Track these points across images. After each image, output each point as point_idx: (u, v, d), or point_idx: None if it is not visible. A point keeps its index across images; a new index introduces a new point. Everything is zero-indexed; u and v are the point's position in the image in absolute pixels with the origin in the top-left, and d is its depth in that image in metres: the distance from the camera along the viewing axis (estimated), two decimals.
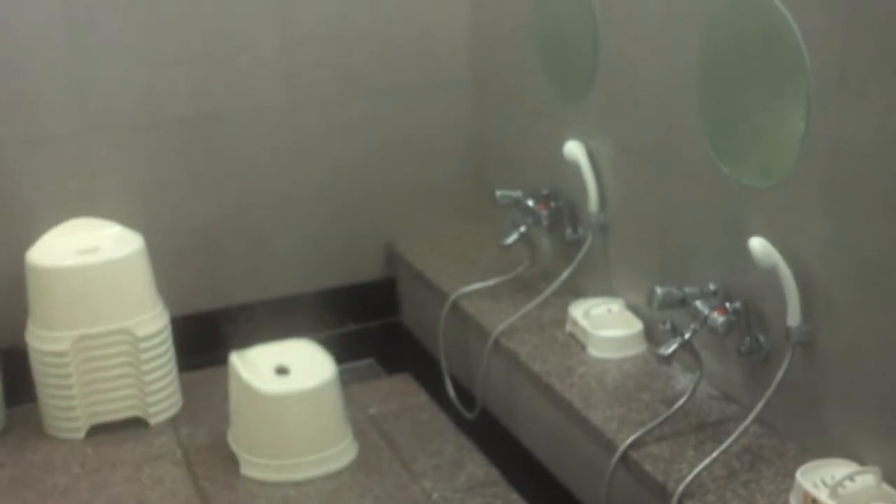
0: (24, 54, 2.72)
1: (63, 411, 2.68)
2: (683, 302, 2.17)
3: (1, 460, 2.63)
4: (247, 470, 2.52)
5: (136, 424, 2.73)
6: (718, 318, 2.12)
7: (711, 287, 2.18)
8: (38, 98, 2.77)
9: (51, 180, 2.82)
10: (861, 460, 1.91)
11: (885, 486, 1.84)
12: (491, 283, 2.83)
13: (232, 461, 2.56)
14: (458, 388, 2.82)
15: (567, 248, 2.75)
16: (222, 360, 2.82)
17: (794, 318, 1.99)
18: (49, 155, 2.81)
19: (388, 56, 3.08)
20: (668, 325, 2.17)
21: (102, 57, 2.79)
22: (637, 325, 2.50)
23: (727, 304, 2.14)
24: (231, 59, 2.92)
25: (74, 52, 2.78)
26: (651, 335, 2.47)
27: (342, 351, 2.84)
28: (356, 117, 3.09)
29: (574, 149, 2.62)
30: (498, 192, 2.82)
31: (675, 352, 2.14)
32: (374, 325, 3.26)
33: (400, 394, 2.89)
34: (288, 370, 2.56)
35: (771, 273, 2.00)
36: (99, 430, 2.71)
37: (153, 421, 2.74)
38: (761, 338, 2.12)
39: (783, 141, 1.97)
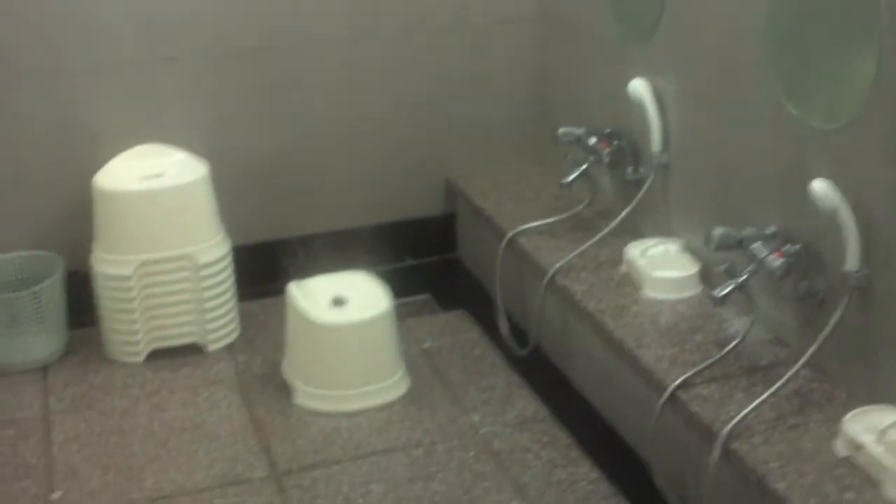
0: None
1: (125, 335, 2.75)
2: (741, 244, 2.14)
3: (64, 380, 2.70)
4: (300, 399, 2.56)
5: (194, 350, 2.79)
6: (775, 261, 2.08)
7: (770, 229, 2.15)
8: (107, 28, 2.80)
9: (119, 108, 2.86)
10: None
11: None
12: (549, 220, 2.82)
13: (285, 390, 2.60)
14: (513, 325, 2.83)
15: (627, 187, 2.72)
16: (280, 291, 2.86)
17: (852, 262, 1.96)
18: (117, 83, 2.85)
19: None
20: (724, 267, 2.14)
21: None
22: (693, 267, 2.48)
23: (785, 247, 2.10)
24: None
25: None
26: (708, 277, 2.45)
27: (399, 285, 2.86)
28: (419, 53, 3.08)
29: (639, 87, 2.58)
30: (560, 130, 2.79)
31: (729, 294, 2.12)
32: (431, 261, 3.27)
33: (454, 329, 2.90)
34: (344, 301, 2.59)
35: (831, 217, 1.96)
36: (158, 355, 2.77)
37: (211, 348, 2.79)
38: (818, 282, 2.09)
39: (853, 82, 1.92)
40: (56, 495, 2.28)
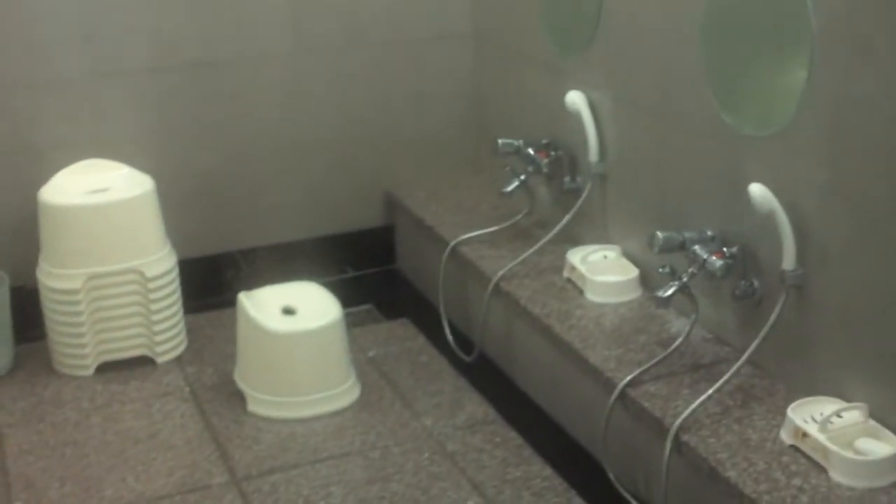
0: (41, 2, 2.77)
1: (73, 348, 2.75)
2: (683, 246, 2.25)
3: (12, 395, 2.70)
4: (254, 406, 2.60)
5: (142, 363, 2.81)
6: (717, 262, 2.20)
7: (709, 233, 2.27)
8: (50, 43, 2.82)
9: (62, 123, 2.88)
10: (848, 398, 2.01)
11: (872, 422, 1.94)
12: (490, 230, 2.91)
13: (238, 398, 2.63)
14: (455, 333, 2.90)
15: (565, 196, 2.82)
16: (224, 304, 2.91)
17: (788, 261, 2.08)
18: (61, 98, 2.87)
19: (392, 8, 3.14)
20: (667, 269, 2.25)
21: (112, 1, 2.83)
22: (633, 272, 2.59)
23: (724, 249, 2.22)
24: (238, 5, 2.97)
25: None
26: (646, 282, 2.56)
27: (341, 296, 2.89)
28: (359, 67, 3.16)
29: (576, 99, 2.69)
30: (500, 140, 2.88)
31: (673, 294, 2.23)
32: (371, 272, 3.34)
33: (399, 337, 2.97)
34: (294, 311, 2.64)
35: (768, 219, 2.08)
36: (107, 368, 2.78)
37: (160, 360, 2.82)
38: (756, 282, 2.21)
39: (785, 90, 2.04)
40: None
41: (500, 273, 2.70)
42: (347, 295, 3.13)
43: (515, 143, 2.87)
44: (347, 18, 3.09)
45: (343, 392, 2.62)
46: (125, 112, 2.94)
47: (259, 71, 3.05)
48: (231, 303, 2.88)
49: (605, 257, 2.66)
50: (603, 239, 2.73)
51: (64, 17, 2.81)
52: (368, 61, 3.16)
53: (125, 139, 2.94)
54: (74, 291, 2.69)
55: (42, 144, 2.86)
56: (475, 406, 2.63)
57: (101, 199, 2.71)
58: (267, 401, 2.58)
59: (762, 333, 2.12)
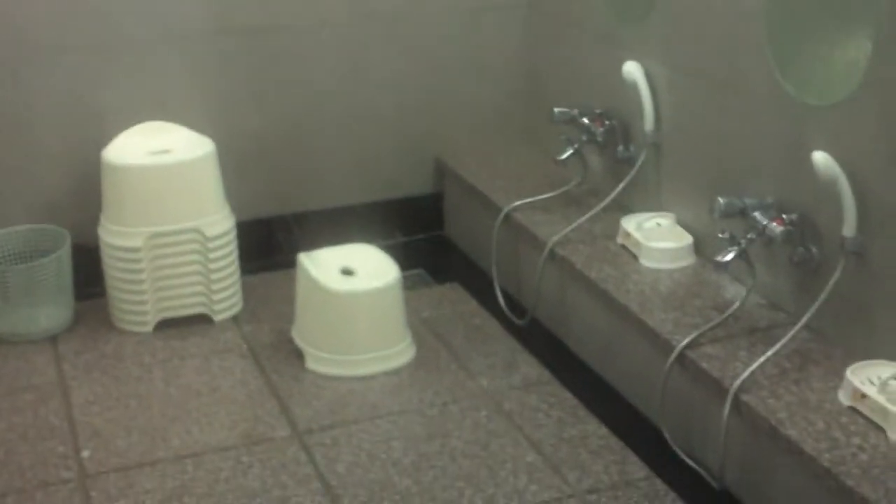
0: None
1: (133, 305, 2.81)
2: (743, 212, 2.28)
3: (75, 349, 2.76)
4: (312, 364, 2.65)
5: (200, 321, 2.86)
6: (777, 228, 2.23)
7: (769, 200, 2.30)
8: (112, 5, 2.86)
9: (125, 85, 2.93)
10: None
11: None
12: (543, 197, 2.95)
13: (296, 356, 2.69)
14: (507, 298, 2.94)
15: (618, 165, 2.86)
16: (277, 266, 2.98)
17: (849, 228, 2.11)
18: (123, 60, 2.92)
19: None
20: (726, 234, 2.28)
21: None
22: (687, 239, 2.62)
23: (784, 216, 2.25)
24: None
25: None
26: (700, 249, 2.59)
27: (395, 260, 2.95)
28: (414, 35, 3.19)
29: (633, 69, 2.71)
30: (556, 109, 2.91)
31: (733, 259, 2.26)
32: (420, 238, 3.38)
33: (451, 300, 3.01)
34: (353, 271, 2.69)
35: (830, 186, 2.11)
36: (165, 325, 2.84)
37: (218, 318, 2.87)
38: (814, 248, 2.24)
39: (849, 61, 2.06)
40: (85, 454, 2.35)
41: (555, 238, 2.73)
42: (398, 259, 3.17)
43: (571, 111, 2.90)
44: None
45: (399, 352, 2.67)
46: (186, 75, 2.99)
47: (316, 37, 3.09)
48: (283, 265, 2.95)
49: (659, 225, 2.69)
50: (656, 207, 2.76)
51: None
52: (423, 29, 3.19)
53: (185, 102, 2.98)
54: (136, 249, 2.75)
55: (105, 106, 2.91)
56: (529, 367, 2.67)
57: (163, 159, 2.76)
58: (325, 358, 2.63)
59: (821, 298, 2.15)
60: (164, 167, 2.75)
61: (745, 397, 2.07)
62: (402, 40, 3.18)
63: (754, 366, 2.11)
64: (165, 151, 2.79)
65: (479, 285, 3.05)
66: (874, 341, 2.12)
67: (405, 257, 3.26)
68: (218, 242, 2.81)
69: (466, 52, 3.26)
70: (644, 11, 2.69)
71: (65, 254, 2.82)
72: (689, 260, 2.60)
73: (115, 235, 2.77)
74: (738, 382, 2.09)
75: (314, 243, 2.87)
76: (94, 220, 2.83)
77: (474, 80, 3.29)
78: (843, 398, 2.02)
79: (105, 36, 2.88)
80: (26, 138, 2.88)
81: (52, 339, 2.80)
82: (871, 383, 2.00)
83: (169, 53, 2.95)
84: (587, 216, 2.77)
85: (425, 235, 3.40)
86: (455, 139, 3.32)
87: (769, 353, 2.14)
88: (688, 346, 2.24)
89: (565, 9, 3.10)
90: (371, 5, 3.12)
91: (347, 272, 2.68)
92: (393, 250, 3.22)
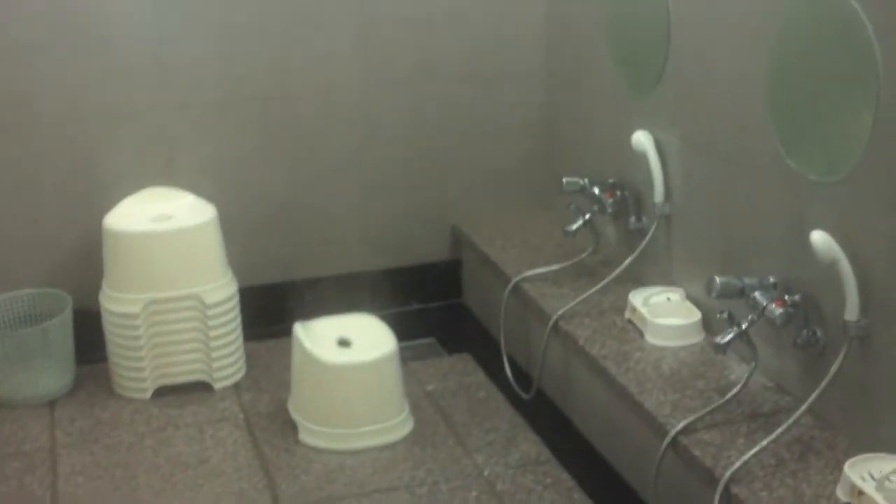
0: (111, 31, 2.82)
1: (131, 371, 2.78)
2: (742, 292, 2.18)
3: (71, 415, 2.73)
4: (305, 436, 2.59)
5: (200, 388, 2.82)
6: (776, 310, 2.13)
7: (771, 279, 2.20)
8: (123, 73, 2.87)
9: (131, 151, 2.93)
10: None
11: None
12: (553, 267, 2.87)
13: (290, 427, 2.63)
14: (516, 369, 2.86)
15: (630, 236, 2.77)
16: (286, 332, 2.90)
17: (851, 312, 2.00)
18: (130, 128, 2.91)
19: (464, 44, 3.13)
20: (725, 315, 2.18)
21: (183, 34, 2.88)
22: (695, 315, 2.52)
23: (786, 297, 2.15)
24: (308, 38, 2.99)
25: (157, 30, 2.86)
26: (709, 325, 2.49)
27: (404, 329, 2.89)
28: (429, 102, 3.15)
29: (642, 138, 2.64)
30: (565, 179, 2.85)
31: (731, 341, 2.16)
32: (436, 306, 3.32)
33: (458, 372, 2.94)
34: (350, 342, 2.63)
35: (831, 267, 2.01)
36: (165, 392, 2.80)
37: (217, 386, 2.82)
38: (818, 331, 2.13)
39: (851, 136, 1.98)
40: None
41: (560, 312, 2.65)
42: (412, 328, 3.14)
43: (580, 182, 2.84)
44: (418, 53, 3.09)
45: (395, 425, 2.60)
46: (194, 142, 2.98)
47: (328, 104, 3.06)
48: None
49: (669, 299, 2.59)
50: (667, 280, 2.67)
51: (135, 47, 2.85)
52: (439, 96, 3.15)
53: (193, 168, 2.97)
54: (134, 315, 2.72)
55: (110, 171, 2.90)
56: (529, 445, 2.58)
57: (163, 226, 2.74)
58: (317, 431, 2.57)
59: (823, 384, 2.04)
60: (163, 234, 2.73)
61: (735, 489, 1.96)
62: (418, 106, 3.14)
63: (748, 455, 2.01)
64: (167, 218, 2.77)
65: (490, 356, 2.98)
66: (879, 431, 2.00)
67: (419, 325, 3.23)
68: (218, 310, 2.77)
69: (483, 118, 3.21)
70: (653, 82, 2.62)
71: (65, 319, 2.81)
72: (696, 338, 2.50)
73: (114, 301, 2.74)
74: (729, 473, 1.98)
75: (325, 310, 2.82)
76: (97, 285, 2.81)
77: (491, 147, 3.23)
78: (841, 494, 1.91)
79: (113, 102, 2.88)
80: (33, 202, 2.89)
81: (51, 404, 2.78)
82: (871, 478, 1.88)
83: (177, 120, 2.94)
84: (595, 289, 2.69)
85: (442, 303, 3.33)
86: (471, 205, 3.27)
87: (766, 441, 2.03)
88: (682, 431, 2.14)
89: (581, 77, 3.04)
90: (385, 72, 3.08)
91: (344, 343, 2.62)
92: (407, 318, 3.19)
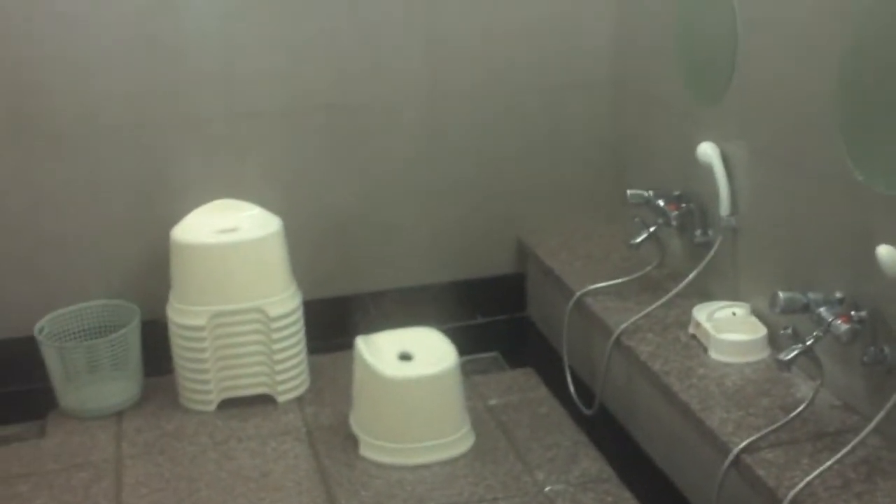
0: (179, 43, 2.85)
1: (197, 384, 2.81)
2: (807, 308, 2.13)
3: (137, 426, 2.77)
4: (365, 451, 2.59)
5: (264, 401, 2.84)
6: (842, 326, 2.07)
7: (837, 294, 2.14)
8: (192, 84, 2.90)
9: (199, 162, 2.95)
10: None
11: None
12: (618, 281, 2.84)
13: (352, 442, 2.63)
14: (579, 384, 2.83)
15: (695, 250, 2.73)
16: (350, 345, 2.91)
17: None
18: (198, 138, 2.94)
19: (531, 55, 3.10)
20: (789, 331, 2.13)
21: (252, 46, 2.90)
22: (761, 331, 2.47)
23: (852, 313, 2.09)
24: (375, 50, 2.99)
25: (226, 42, 2.89)
26: (775, 341, 2.44)
27: (468, 342, 2.89)
28: (495, 113, 3.13)
29: (708, 150, 2.60)
30: (629, 191, 2.82)
31: (794, 358, 2.11)
32: (500, 319, 3.29)
33: (521, 387, 2.92)
34: (411, 356, 2.62)
35: None
36: (229, 404, 2.82)
37: (281, 399, 2.84)
38: (886, 348, 2.07)
39: None
40: None
41: (623, 326, 2.62)
42: (475, 341, 3.13)
43: (645, 194, 2.80)
44: (484, 64, 3.08)
45: (455, 441, 2.58)
46: (259, 153, 3.00)
47: (394, 115, 3.06)
48: None
49: (734, 314, 2.55)
50: (733, 295, 2.62)
51: (202, 58, 2.88)
52: (504, 107, 3.14)
53: (259, 180, 2.99)
54: (200, 328, 2.75)
55: (177, 183, 2.94)
56: (591, 462, 2.55)
57: (228, 238, 2.76)
58: (378, 446, 2.57)
59: (890, 403, 1.98)
60: (229, 246, 2.75)
61: None
62: (483, 118, 3.13)
63: (812, 475, 1.96)
64: (233, 230, 2.79)
65: (553, 370, 2.95)
66: None
67: (483, 339, 3.21)
68: (281, 323, 2.79)
69: (548, 130, 3.18)
70: (720, 92, 2.57)
71: (133, 330, 2.85)
72: (761, 354, 2.45)
73: (180, 314, 2.78)
74: (793, 493, 1.93)
75: (390, 323, 2.83)
76: (165, 297, 2.85)
77: (557, 158, 3.21)
78: None
79: (180, 114, 2.91)
80: (103, 214, 2.93)
81: (118, 415, 2.82)
82: None
83: (244, 131, 2.96)
84: (659, 303, 2.65)
85: (506, 317, 3.31)
86: (537, 218, 3.24)
87: (831, 461, 1.98)
88: (745, 450, 2.09)
89: (648, 88, 3.01)
90: (451, 84, 3.08)
91: (405, 357, 2.62)
92: (471, 332, 3.17)
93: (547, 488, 2.45)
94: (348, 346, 2.98)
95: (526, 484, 2.46)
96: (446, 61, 3.07)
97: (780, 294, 2.15)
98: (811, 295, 2.16)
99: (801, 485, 1.94)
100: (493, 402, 2.83)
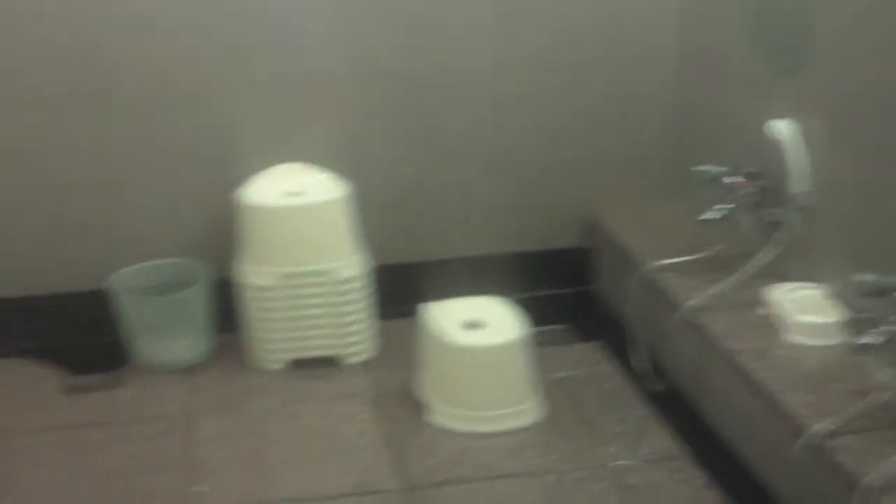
0: (245, 5, 2.86)
1: (265, 343, 2.83)
2: (886, 291, 2.10)
3: (207, 382, 2.80)
4: (432, 417, 2.60)
5: (331, 363, 2.85)
6: None
7: None
8: (257, 47, 2.90)
9: (266, 125, 2.96)
10: None
11: None
12: (687, 258, 2.81)
13: (418, 407, 2.64)
14: (648, 360, 2.82)
15: (768, 228, 2.70)
16: (416, 312, 2.92)
17: None
18: (266, 101, 2.94)
19: (597, 27, 3.07)
20: (867, 315, 2.11)
21: (319, 9, 2.89)
22: (837, 313, 2.44)
23: None
24: (441, 19, 2.97)
25: (292, 4, 2.88)
26: (854, 325, 2.41)
27: (535, 314, 2.88)
28: (561, 85, 3.11)
29: (782, 126, 2.56)
30: (699, 168, 2.78)
31: (873, 342, 2.08)
32: (568, 292, 3.29)
33: (589, 361, 2.91)
34: (479, 325, 2.62)
35: None
36: (297, 365, 2.84)
37: (348, 362, 2.85)
38: None
39: None
40: (198, 488, 2.36)
41: (692, 303, 2.60)
42: (542, 313, 3.11)
43: (714, 170, 2.76)
44: (552, 37, 3.05)
45: (523, 411, 2.59)
46: (328, 118, 2.99)
47: (461, 84, 3.04)
48: None
49: (809, 296, 2.52)
50: (808, 276, 2.59)
51: (269, 21, 2.88)
52: (572, 80, 3.11)
53: (327, 145, 2.99)
54: (269, 289, 2.76)
55: (246, 146, 2.95)
56: (659, 439, 2.54)
57: (297, 201, 2.77)
58: (445, 412, 2.58)
59: None
60: (297, 208, 2.76)
61: (877, 497, 1.89)
62: (549, 89, 3.10)
63: (894, 461, 1.93)
64: (301, 193, 2.80)
65: (622, 345, 2.94)
66: None
67: (550, 311, 3.20)
68: (350, 286, 2.80)
69: (616, 103, 3.15)
70: (796, 65, 2.53)
71: (204, 288, 2.87)
72: (838, 337, 2.42)
73: (250, 274, 2.80)
74: (871, 479, 1.91)
75: (456, 292, 2.83)
76: (234, 257, 2.87)
77: (625, 132, 3.18)
78: None
79: (246, 75, 2.91)
80: (172, 174, 2.95)
81: (188, 371, 2.85)
82: None
83: (312, 96, 2.97)
84: (729, 282, 2.62)
85: (573, 290, 3.30)
86: (606, 191, 3.22)
87: None
88: (823, 434, 2.07)
89: (718, 60, 2.96)
90: (517, 54, 3.05)
91: (472, 325, 2.62)
92: (538, 303, 3.16)
93: (616, 462, 2.44)
94: (411, 312, 2.99)
95: (595, 457, 2.46)
96: (514, 32, 3.04)
97: (859, 276, 2.11)
98: (891, 278, 2.12)
99: (882, 471, 1.92)
100: (560, 374, 2.83)
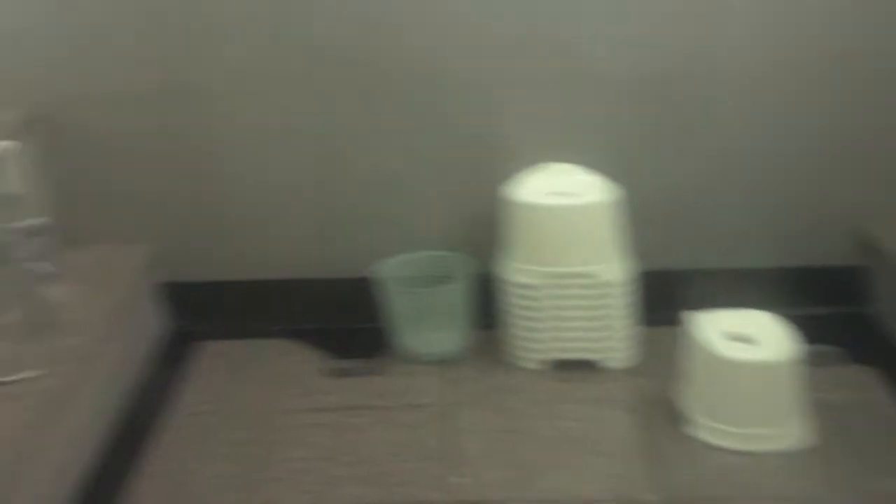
0: (520, 5, 2.84)
1: (526, 342, 2.83)
2: None
3: (465, 376, 2.83)
4: (694, 429, 2.52)
5: (591, 366, 2.82)
6: None
7: None
8: (529, 44, 2.87)
9: (535, 123, 2.95)
10: None
11: None
12: None
13: (678, 418, 2.57)
14: None
15: None
16: (678, 320, 2.85)
17: None
18: (537, 99, 2.93)
19: (880, 25, 2.89)
20: None
21: (600, 11, 2.86)
22: None
23: None
24: (721, 19, 2.86)
25: (572, 7, 2.86)
26: None
27: (802, 332, 2.74)
28: (838, 92, 2.93)
29: None
30: None
31: None
32: (838, 312, 3.12)
33: (862, 385, 2.75)
34: (748, 339, 2.53)
35: None
36: (555, 366, 2.83)
37: (609, 366, 2.81)
38: None
39: None
40: (457, 480, 2.39)
41: None
42: (809, 332, 2.96)
43: None
44: (827, 39, 2.88)
45: (789, 432, 2.47)
46: (597, 119, 2.95)
47: (732, 90, 2.92)
48: None
49: None
50: None
51: (541, 19, 2.86)
52: (850, 86, 2.93)
53: (595, 146, 2.95)
54: (532, 287, 2.76)
55: (513, 142, 2.95)
56: None
57: (566, 201, 2.75)
58: (707, 426, 2.50)
59: None
60: (568, 208, 2.74)
61: None
62: (823, 96, 2.94)
63: None
64: (569, 193, 2.78)
65: None
66: None
67: (818, 331, 3.04)
68: (614, 290, 2.76)
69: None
70: None
71: (469, 283, 2.90)
72: None
73: (514, 272, 2.80)
74: None
75: (718, 303, 2.73)
76: (494, 253, 2.89)
77: None
78: None
79: (521, 73, 2.91)
80: (439, 168, 3.00)
81: (445, 364, 2.89)
82: None
83: (584, 96, 2.93)
84: None
85: (845, 310, 3.14)
86: (879, 208, 3.04)
87: None
88: None
89: None
90: (785, 62, 2.90)
91: (741, 339, 2.53)
92: (805, 322, 3.01)
93: (887, 494, 2.29)
94: (669, 321, 2.93)
95: (870, 491, 2.32)
96: (784, 40, 2.90)
97: None
98: None
99: None
100: (829, 397, 2.68)
